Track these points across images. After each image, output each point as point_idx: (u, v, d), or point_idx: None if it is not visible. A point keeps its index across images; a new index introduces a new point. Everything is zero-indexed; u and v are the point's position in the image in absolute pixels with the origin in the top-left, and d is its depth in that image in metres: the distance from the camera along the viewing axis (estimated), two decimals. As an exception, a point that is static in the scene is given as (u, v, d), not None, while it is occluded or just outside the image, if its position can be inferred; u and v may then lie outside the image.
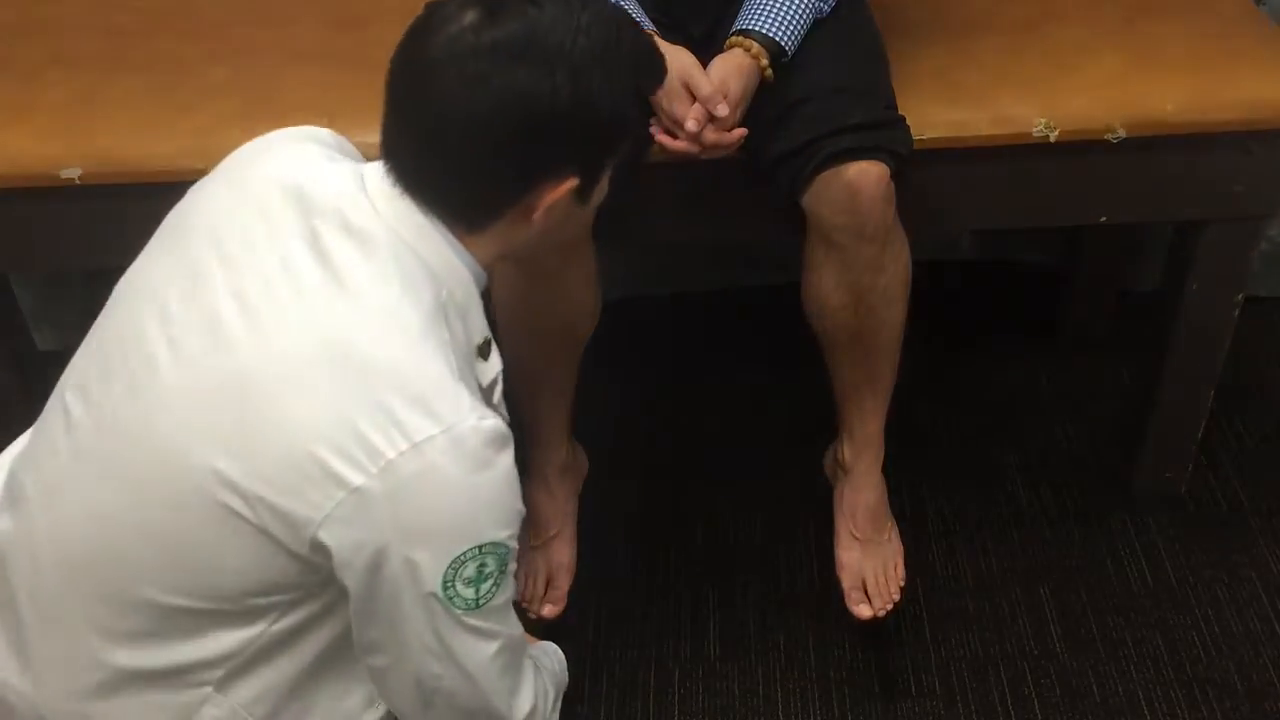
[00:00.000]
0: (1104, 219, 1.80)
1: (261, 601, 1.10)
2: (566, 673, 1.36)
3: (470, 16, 1.03)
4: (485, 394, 1.13)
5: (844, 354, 1.67)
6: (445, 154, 1.06)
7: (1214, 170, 1.69)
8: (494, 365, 1.16)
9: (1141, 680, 1.77)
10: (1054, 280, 2.43)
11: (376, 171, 1.11)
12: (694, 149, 1.53)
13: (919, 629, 1.84)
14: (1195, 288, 1.79)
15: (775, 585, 1.92)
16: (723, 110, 1.50)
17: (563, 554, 1.78)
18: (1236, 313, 1.82)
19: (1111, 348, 2.33)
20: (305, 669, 1.16)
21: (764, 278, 2.43)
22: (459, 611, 1.06)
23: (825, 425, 1.82)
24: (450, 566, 1.03)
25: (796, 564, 1.95)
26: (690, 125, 1.50)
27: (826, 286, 1.61)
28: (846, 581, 1.74)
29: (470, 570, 1.04)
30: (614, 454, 2.09)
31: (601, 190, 1.17)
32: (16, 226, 1.71)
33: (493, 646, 1.11)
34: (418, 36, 1.07)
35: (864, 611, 1.72)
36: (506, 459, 1.05)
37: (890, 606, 1.73)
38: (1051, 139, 1.64)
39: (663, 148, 1.57)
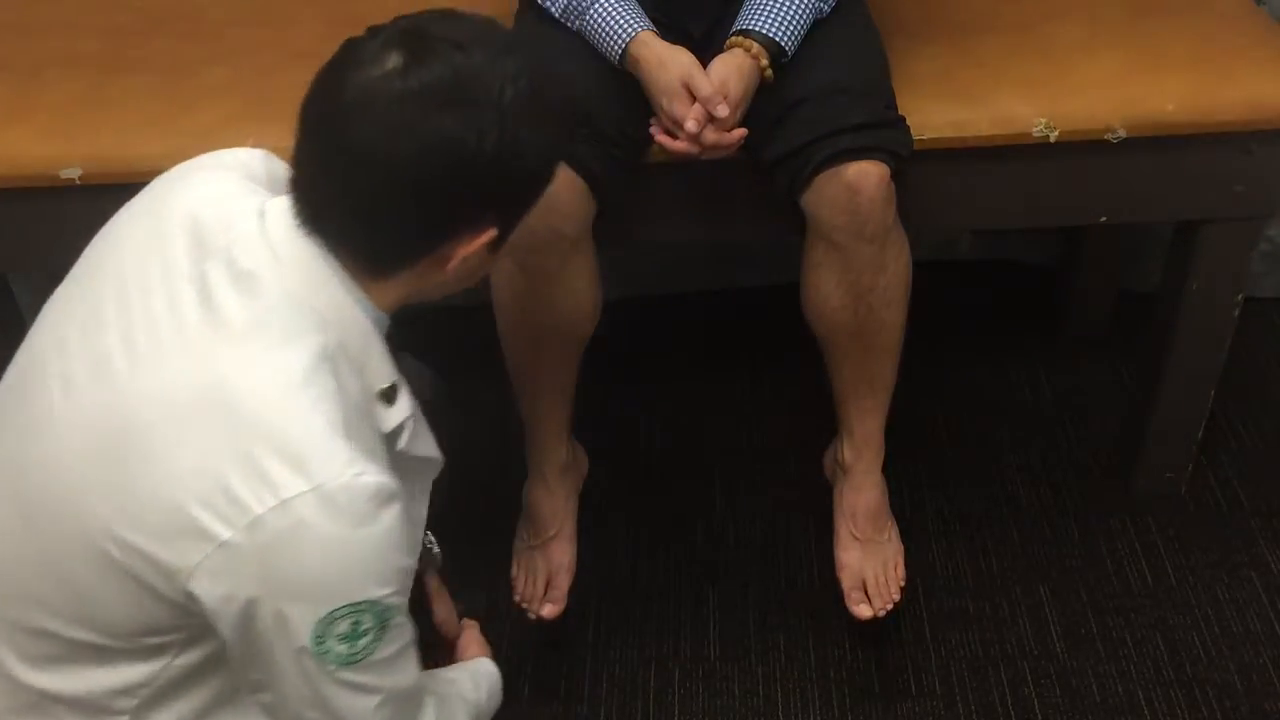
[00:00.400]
0: (1104, 219, 1.80)
1: (156, 640, 1.09)
2: (498, 694, 1.34)
3: (394, 59, 1.01)
4: (389, 440, 1.11)
5: (844, 354, 1.67)
6: (358, 200, 1.03)
7: (1214, 170, 1.69)
8: (400, 411, 1.12)
9: (1141, 680, 1.77)
10: (1054, 280, 2.43)
11: (282, 209, 1.07)
12: (694, 149, 1.54)
13: (919, 629, 1.84)
14: (1195, 288, 1.79)
15: (775, 585, 1.92)
16: (723, 111, 1.50)
17: (563, 554, 1.78)
18: (1236, 313, 1.82)
19: (1111, 348, 2.33)
20: (219, 697, 1.15)
21: (764, 278, 2.43)
22: (333, 667, 1.04)
23: (825, 425, 1.82)
24: (321, 623, 1.01)
25: (796, 564, 1.95)
26: (690, 126, 1.50)
27: (826, 287, 1.61)
28: (846, 581, 1.74)
29: (344, 627, 1.02)
30: (614, 454, 2.09)
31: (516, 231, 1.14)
32: (16, 226, 1.71)
33: (373, 700, 1.09)
34: (335, 74, 1.04)
35: (864, 611, 1.72)
36: (388, 516, 1.01)
37: (890, 606, 1.73)
38: (1051, 139, 1.64)
39: (663, 148, 1.57)
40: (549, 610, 1.74)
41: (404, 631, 1.09)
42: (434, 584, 1.46)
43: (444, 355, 1.92)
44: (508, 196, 1.08)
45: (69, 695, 1.12)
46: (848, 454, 1.76)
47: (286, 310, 1.03)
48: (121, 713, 1.13)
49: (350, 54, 1.04)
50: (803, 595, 1.90)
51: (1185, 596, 1.88)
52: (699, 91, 1.51)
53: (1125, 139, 1.64)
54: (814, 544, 1.96)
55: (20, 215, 1.69)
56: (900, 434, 1.82)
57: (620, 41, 1.55)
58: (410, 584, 1.08)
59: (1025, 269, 2.50)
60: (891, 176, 1.53)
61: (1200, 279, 1.79)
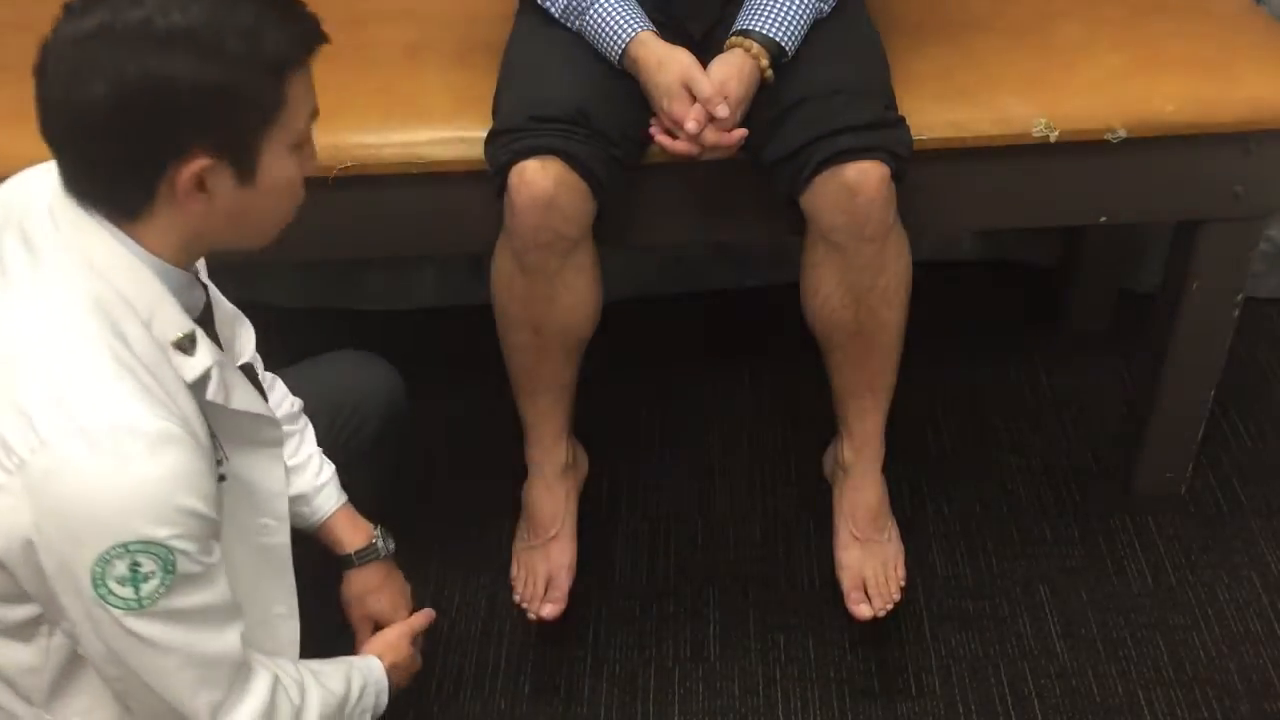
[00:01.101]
0: (1104, 219, 1.80)
1: (17, 613, 1.12)
2: (377, 694, 1.35)
3: (75, 5, 1.05)
4: (196, 389, 1.12)
5: (844, 354, 1.67)
6: (65, 145, 1.07)
7: (1214, 170, 1.70)
8: (201, 361, 1.12)
9: (1141, 680, 1.77)
10: (1054, 280, 2.43)
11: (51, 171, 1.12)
12: (694, 150, 1.54)
13: (919, 629, 1.84)
14: (1195, 288, 1.80)
15: (775, 585, 1.92)
16: (723, 111, 1.50)
17: (563, 554, 1.77)
18: (1236, 313, 1.82)
19: (1111, 348, 2.33)
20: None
21: (764, 278, 2.44)
22: (119, 613, 1.05)
23: (825, 425, 1.82)
24: (96, 564, 1.02)
25: (796, 564, 1.95)
26: (690, 126, 1.51)
27: (826, 287, 1.61)
28: (846, 581, 1.74)
29: (121, 569, 1.03)
30: (614, 454, 2.09)
31: (276, 168, 1.10)
32: (16, 227, 1.70)
33: (171, 660, 1.09)
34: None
35: (864, 611, 1.72)
36: (166, 458, 1.03)
37: (890, 606, 1.73)
38: (1051, 139, 1.64)
39: (663, 148, 1.57)
40: (549, 610, 1.74)
41: (207, 588, 1.10)
42: (379, 575, 1.48)
43: (444, 355, 1.93)
44: (198, 121, 1.05)
45: None
46: (848, 454, 1.76)
47: (60, 264, 1.07)
48: (34, 703, 1.18)
49: (64, 6, 1.08)
50: (803, 595, 1.90)
51: (1185, 596, 1.88)
52: (699, 92, 1.51)
53: (1125, 139, 1.64)
54: (814, 544, 1.96)
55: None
56: (900, 434, 1.82)
57: (620, 42, 1.55)
58: (206, 533, 1.08)
59: (1025, 269, 2.50)
60: (892, 176, 1.53)
61: (1200, 279, 1.79)
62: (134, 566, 1.03)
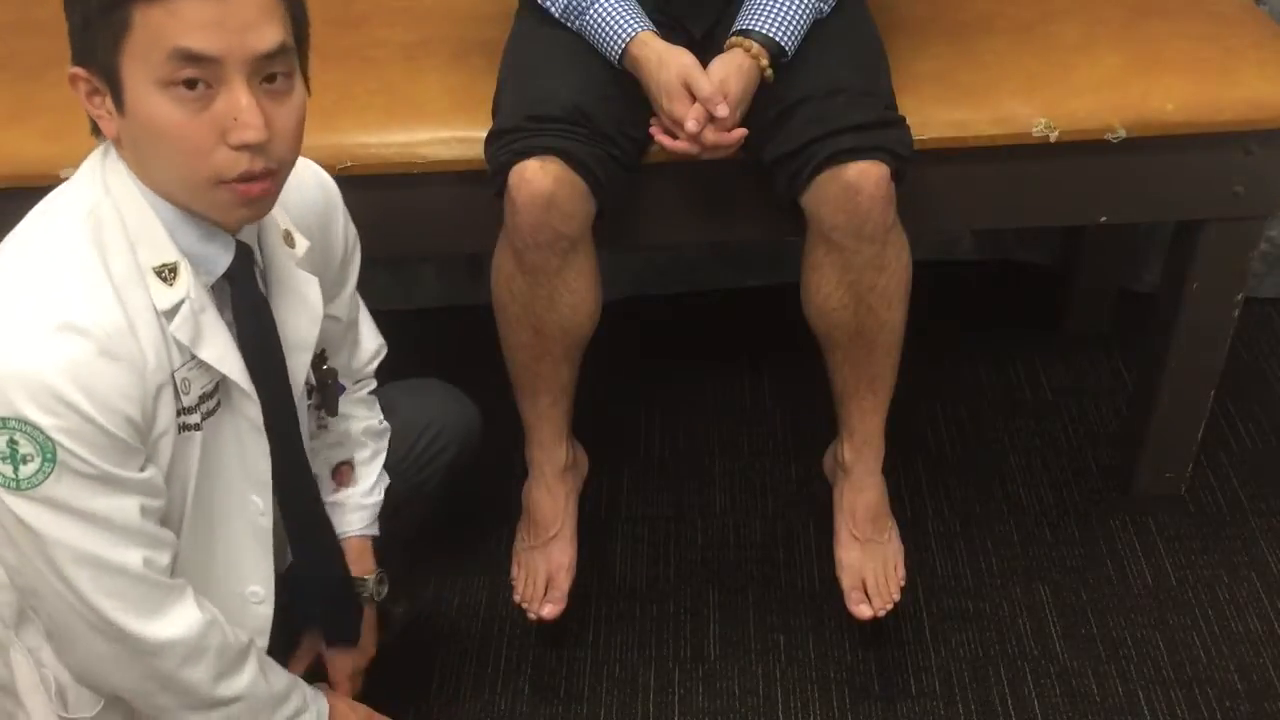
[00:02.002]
0: (1104, 219, 1.80)
1: None
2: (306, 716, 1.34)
3: None
4: (165, 317, 1.15)
5: (844, 354, 1.67)
6: None
7: (1214, 170, 1.69)
8: (177, 292, 1.15)
9: (1141, 680, 1.77)
10: (1054, 280, 2.43)
11: None
12: (694, 149, 1.54)
13: (919, 629, 1.84)
14: (1195, 288, 1.79)
15: (775, 585, 1.92)
16: (723, 110, 1.50)
17: (563, 554, 1.77)
18: (1236, 313, 1.82)
19: (1111, 348, 2.33)
20: None
21: (764, 278, 2.44)
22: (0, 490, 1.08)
23: (825, 425, 1.82)
24: None
25: (796, 564, 1.95)
26: (690, 125, 1.51)
27: (826, 286, 1.61)
28: (846, 581, 1.74)
29: (0, 444, 1.06)
30: (614, 454, 2.09)
31: (141, 101, 1.08)
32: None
33: (60, 554, 1.11)
34: None
35: (864, 611, 1.72)
36: (66, 348, 1.07)
37: (890, 606, 1.73)
38: (1051, 139, 1.64)
39: (663, 148, 1.57)
40: (549, 610, 1.74)
41: (104, 496, 1.11)
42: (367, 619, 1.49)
43: (444, 355, 1.93)
44: (71, 30, 1.09)
45: None
46: (848, 454, 1.76)
47: (82, 177, 1.17)
48: (6, 615, 1.22)
49: None
50: (803, 595, 1.90)
51: (1185, 596, 1.88)
52: (699, 91, 1.51)
53: (1125, 139, 1.64)
54: (814, 544, 1.96)
55: (21, 215, 1.69)
56: (900, 434, 1.82)
57: (620, 41, 1.55)
58: (103, 441, 1.09)
59: (1025, 269, 2.50)
60: (892, 176, 1.53)
61: (1200, 279, 1.79)
62: (11, 444, 1.06)
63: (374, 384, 1.53)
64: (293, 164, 1.17)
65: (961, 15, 1.82)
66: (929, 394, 2.22)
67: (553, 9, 1.61)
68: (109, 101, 1.10)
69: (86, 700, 1.27)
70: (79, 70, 1.10)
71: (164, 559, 1.18)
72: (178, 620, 1.18)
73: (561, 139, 1.52)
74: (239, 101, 1.07)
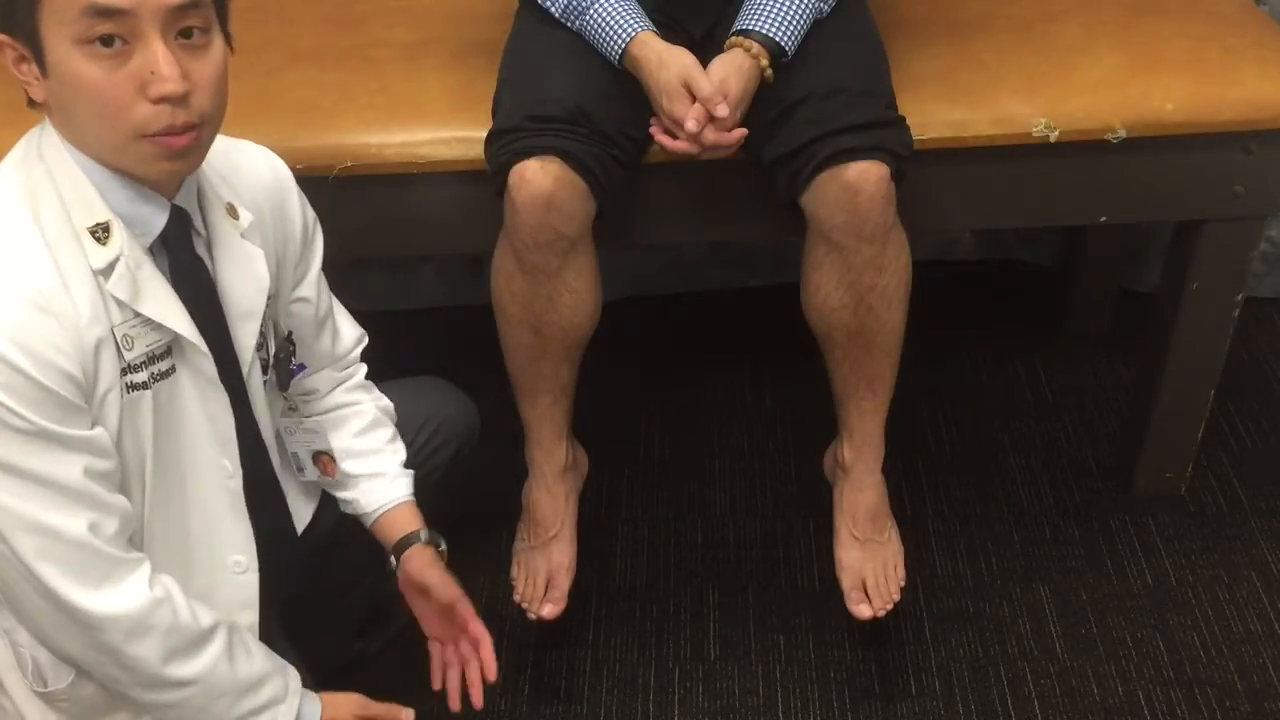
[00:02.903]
0: (1104, 219, 1.80)
1: None
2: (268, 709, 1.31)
3: None
4: (102, 276, 1.15)
5: (844, 354, 1.67)
6: None
7: (1214, 170, 1.70)
8: (111, 250, 1.16)
9: (1141, 680, 1.77)
10: (1054, 280, 2.43)
11: None
12: (694, 149, 1.54)
13: (919, 629, 1.84)
14: (1195, 288, 1.80)
15: (775, 585, 1.92)
16: (723, 110, 1.50)
17: (563, 554, 1.77)
18: (1236, 313, 1.82)
19: (1111, 348, 2.33)
20: None
21: (764, 278, 2.44)
22: None
23: (825, 425, 1.82)
24: None
25: (796, 564, 1.95)
26: (690, 125, 1.51)
27: (826, 286, 1.61)
28: (846, 581, 1.74)
29: None
30: (614, 454, 2.09)
31: (63, 61, 1.10)
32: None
33: (5, 516, 1.11)
34: None
35: (864, 611, 1.72)
36: (2, 304, 1.09)
37: (890, 606, 1.73)
38: (1051, 139, 1.64)
39: (663, 148, 1.57)
40: (549, 610, 1.74)
41: (43, 454, 1.11)
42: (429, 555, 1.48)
43: (444, 355, 1.93)
44: (4, 7, 1.10)
45: None
46: (848, 454, 1.76)
47: (18, 148, 1.18)
48: None
49: None
50: (803, 595, 1.90)
51: (1185, 596, 1.88)
52: (699, 91, 1.51)
53: (1125, 139, 1.64)
54: (814, 544, 1.96)
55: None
56: (900, 434, 1.82)
57: (620, 41, 1.55)
58: (39, 396, 1.10)
59: (1025, 269, 2.50)
60: (892, 176, 1.53)
61: (1200, 279, 1.79)
62: None
63: (364, 368, 1.53)
64: (219, 119, 1.18)
65: (961, 15, 1.82)
66: (929, 394, 2.22)
67: (553, 9, 1.61)
68: (34, 68, 1.12)
69: (62, 673, 1.27)
70: (3, 37, 1.11)
71: (111, 526, 1.17)
72: (122, 595, 1.17)
73: (561, 139, 1.52)
74: (155, 55, 1.09)
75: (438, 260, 2.40)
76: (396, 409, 1.55)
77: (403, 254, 2.27)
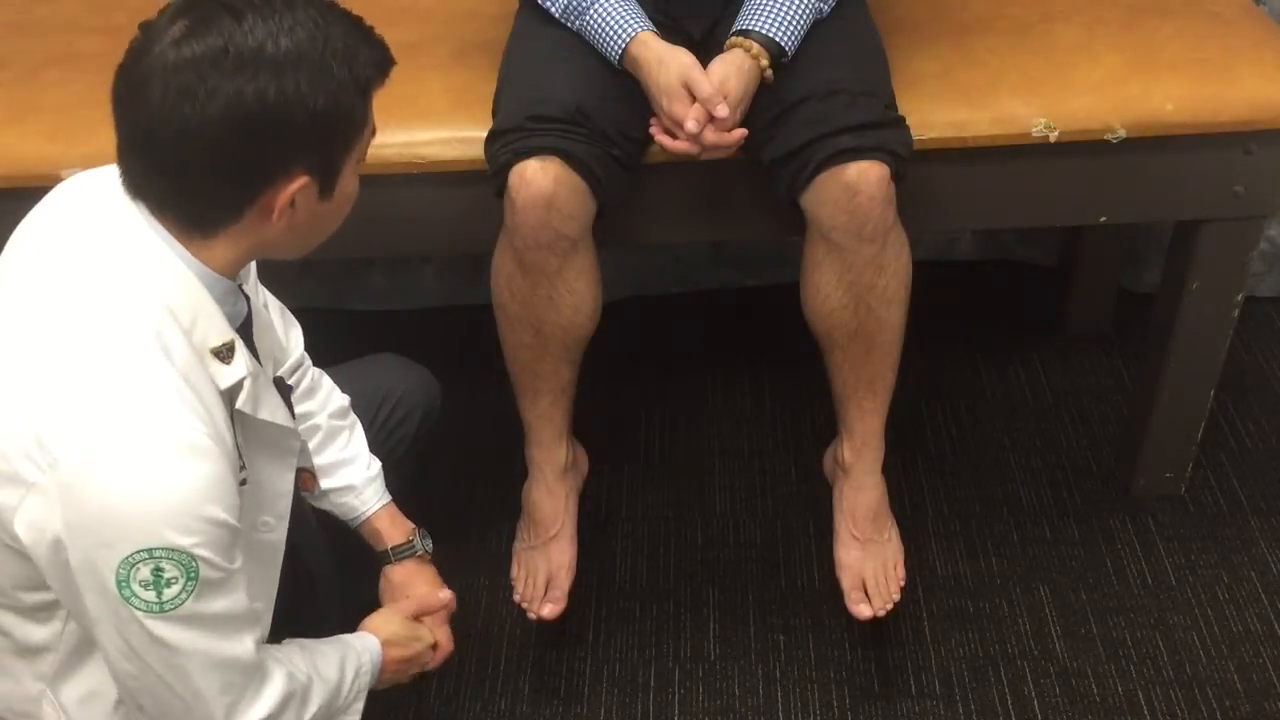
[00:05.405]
0: (1104, 219, 1.80)
1: (37, 598, 1.14)
2: (370, 669, 1.34)
3: (176, 29, 1.05)
4: (227, 397, 1.15)
5: (844, 354, 1.67)
6: (163, 167, 1.08)
7: (1214, 170, 1.70)
8: (237, 369, 1.15)
9: (1141, 680, 1.77)
10: (1054, 280, 2.43)
11: (112, 177, 1.14)
12: (694, 149, 1.54)
13: (919, 629, 1.84)
14: (1195, 288, 1.80)
15: (775, 585, 1.92)
16: (723, 111, 1.50)
17: (563, 554, 1.77)
18: (1236, 313, 1.82)
19: (1111, 348, 2.33)
20: None
21: (764, 278, 2.44)
22: (140, 614, 1.07)
23: (825, 425, 1.82)
24: (121, 566, 1.05)
25: (796, 564, 1.95)
26: (690, 126, 1.51)
27: (826, 286, 1.61)
28: (846, 581, 1.74)
29: (145, 573, 1.05)
30: (614, 454, 2.09)
31: (347, 183, 1.16)
32: (16, 226, 1.70)
33: (190, 661, 1.11)
34: (133, 49, 1.08)
35: (864, 611, 1.72)
36: (195, 468, 1.06)
37: (890, 606, 1.73)
38: (1051, 139, 1.64)
39: (663, 148, 1.57)
40: (549, 610, 1.74)
41: (228, 594, 1.11)
42: (413, 568, 1.50)
43: (444, 355, 1.93)
44: (305, 143, 1.09)
45: None
46: (848, 454, 1.76)
47: (114, 277, 1.10)
48: (40, 679, 1.21)
49: (146, 30, 1.08)
50: (803, 595, 1.90)
51: (1185, 596, 1.88)
52: (699, 91, 1.51)
53: (1125, 139, 1.64)
54: (814, 544, 1.96)
55: (20, 215, 1.68)
56: (900, 434, 1.82)
57: (620, 42, 1.55)
58: (229, 540, 1.09)
59: (1025, 269, 2.50)
60: (892, 176, 1.53)
61: (1200, 279, 1.79)
62: (157, 571, 1.05)
63: (309, 364, 1.52)
64: None
65: (961, 15, 1.82)
66: (929, 394, 2.22)
67: (553, 9, 1.61)
68: (314, 196, 1.12)
69: None
70: (304, 179, 1.10)
71: (260, 630, 1.19)
72: (269, 694, 1.18)
73: (561, 139, 1.52)
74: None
75: (438, 260, 2.40)
76: (355, 389, 1.55)
77: (403, 254, 2.27)
